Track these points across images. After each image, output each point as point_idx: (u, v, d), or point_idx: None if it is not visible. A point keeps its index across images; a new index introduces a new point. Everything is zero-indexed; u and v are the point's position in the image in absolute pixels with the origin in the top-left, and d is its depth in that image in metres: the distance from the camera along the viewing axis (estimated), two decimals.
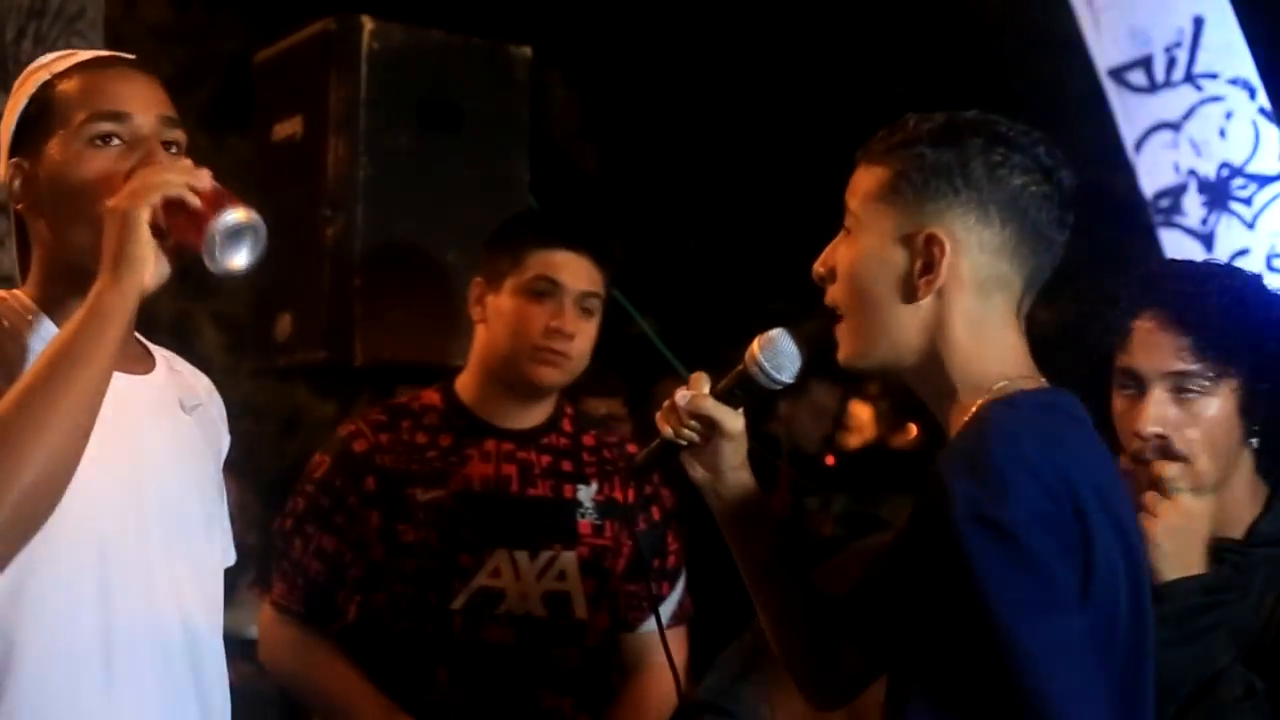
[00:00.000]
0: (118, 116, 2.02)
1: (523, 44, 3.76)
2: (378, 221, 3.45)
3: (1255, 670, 2.14)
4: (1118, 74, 4.27)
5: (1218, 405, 2.23)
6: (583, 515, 2.97)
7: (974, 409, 1.85)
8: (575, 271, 2.92)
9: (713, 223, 11.07)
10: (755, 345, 2.04)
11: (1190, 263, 2.41)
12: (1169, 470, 2.20)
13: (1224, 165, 4.21)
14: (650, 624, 3.01)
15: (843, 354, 1.95)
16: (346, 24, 3.48)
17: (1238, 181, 4.19)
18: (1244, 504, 2.29)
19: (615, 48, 10.35)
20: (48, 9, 4.84)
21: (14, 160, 2.07)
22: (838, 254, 1.95)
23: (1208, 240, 4.21)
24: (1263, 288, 2.31)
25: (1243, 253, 4.21)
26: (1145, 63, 4.25)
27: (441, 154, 3.55)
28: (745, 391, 2.04)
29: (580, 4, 9.80)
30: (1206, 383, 2.22)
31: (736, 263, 10.88)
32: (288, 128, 3.62)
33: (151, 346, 2.17)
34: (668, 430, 2.07)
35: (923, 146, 1.89)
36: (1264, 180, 4.20)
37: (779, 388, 2.04)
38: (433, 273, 3.47)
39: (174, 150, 2.04)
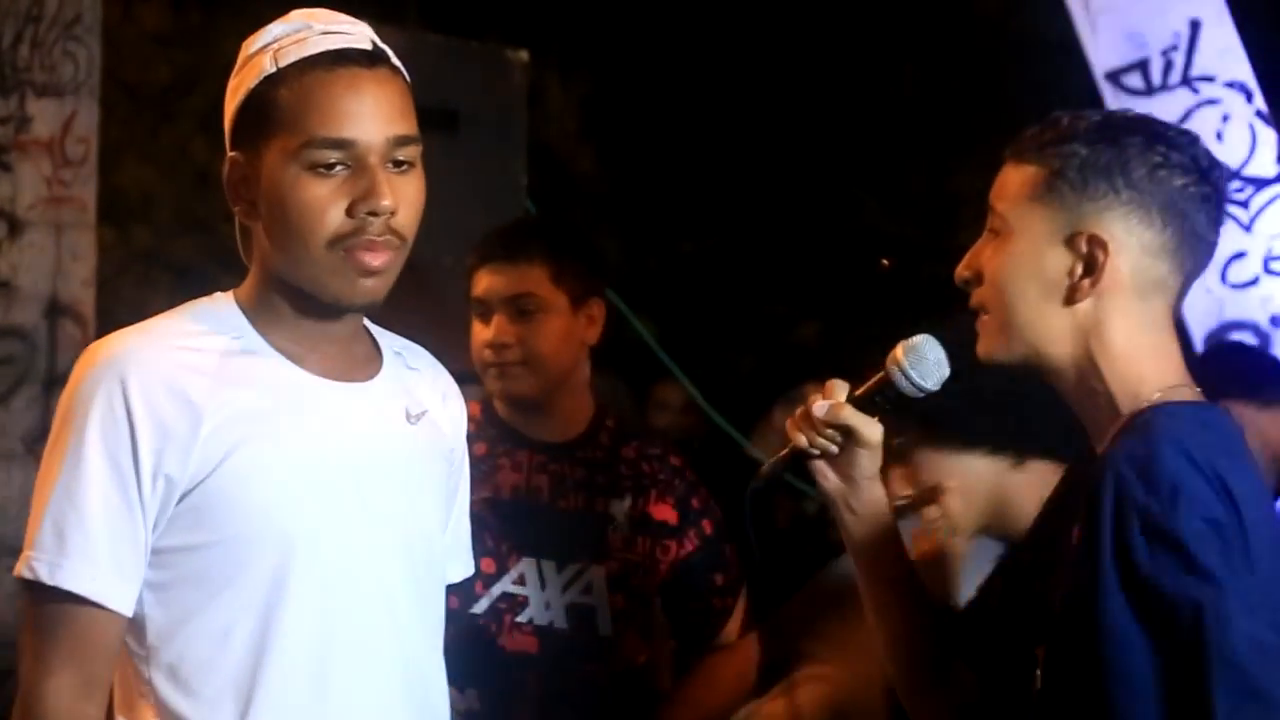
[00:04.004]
0: (339, 144, 1.85)
1: (520, 48, 3.77)
2: None
3: None
4: (1114, 77, 4.28)
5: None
6: (614, 529, 2.94)
7: (1130, 418, 1.80)
8: (495, 282, 2.94)
9: (710, 226, 11.06)
10: (899, 351, 1.96)
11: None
12: (930, 511, 2.29)
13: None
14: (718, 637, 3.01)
15: (983, 347, 1.89)
16: None
17: (1234, 184, 4.19)
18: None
19: (613, 51, 10.35)
20: (45, 14, 4.84)
21: (233, 155, 1.93)
22: (984, 257, 1.88)
23: None
24: None
25: (1239, 255, 4.22)
26: (1142, 66, 4.25)
27: (438, 158, 3.55)
28: (886, 399, 1.98)
29: (578, 8, 9.80)
30: None
31: (733, 266, 10.88)
32: None
33: (386, 343, 2.06)
34: (801, 440, 1.99)
35: (1079, 144, 1.83)
36: (1261, 183, 4.21)
37: (923, 395, 1.97)
38: (429, 277, 3.47)
39: (405, 169, 1.90)
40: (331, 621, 1.88)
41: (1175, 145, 1.84)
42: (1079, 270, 1.82)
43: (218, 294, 1.97)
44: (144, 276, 8.86)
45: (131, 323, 1.96)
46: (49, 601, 1.81)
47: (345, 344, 1.98)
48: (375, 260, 1.89)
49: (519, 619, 2.86)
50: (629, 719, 2.99)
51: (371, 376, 1.99)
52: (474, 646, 2.82)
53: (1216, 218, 1.86)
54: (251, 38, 1.95)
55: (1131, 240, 1.82)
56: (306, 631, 1.86)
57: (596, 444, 3.00)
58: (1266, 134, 4.22)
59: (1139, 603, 1.68)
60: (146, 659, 1.85)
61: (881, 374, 1.97)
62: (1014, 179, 1.87)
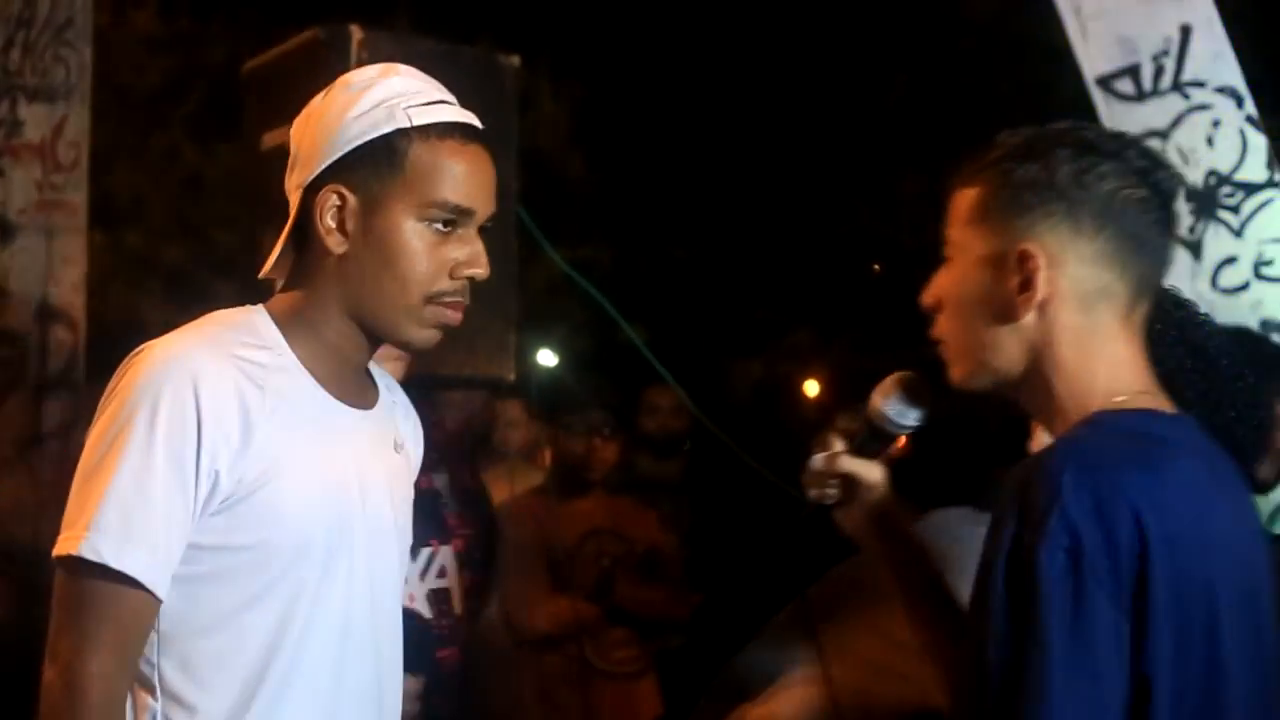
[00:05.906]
0: (462, 211, 2.05)
1: (511, 53, 3.76)
2: None
3: None
4: (1105, 82, 4.28)
5: None
6: (446, 506, 2.96)
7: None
8: None
9: (700, 232, 11.07)
10: (876, 395, 2.04)
11: None
12: None
13: (1211, 173, 4.21)
14: None
15: (952, 377, 1.91)
16: (335, 33, 3.48)
17: (1225, 189, 4.20)
18: None
19: (605, 57, 10.35)
20: (36, 18, 4.84)
21: (333, 186, 2.05)
22: (939, 284, 1.91)
23: (1195, 248, 4.22)
24: None
25: (1230, 260, 4.22)
26: (1133, 71, 4.25)
27: None
28: (876, 441, 2.07)
29: (569, 13, 9.80)
30: None
31: (723, 272, 10.89)
32: (277, 137, 3.62)
33: (375, 373, 2.20)
34: (812, 493, 2.09)
35: (1009, 163, 1.84)
36: (1251, 188, 4.21)
37: (908, 432, 2.04)
38: None
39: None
40: (337, 625, 2.02)
41: (1105, 152, 1.83)
42: (1016, 286, 1.82)
43: (247, 307, 2.09)
44: (135, 280, 8.85)
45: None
46: (101, 580, 1.90)
47: (359, 372, 2.14)
48: (456, 319, 2.07)
49: None
50: (468, 686, 3.01)
51: (373, 404, 2.15)
52: None
53: (1159, 218, 1.85)
54: (350, 77, 2.10)
55: (1065, 251, 1.82)
56: (316, 635, 1.99)
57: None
58: (1257, 139, 4.22)
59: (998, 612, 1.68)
60: (155, 643, 1.96)
61: (864, 420, 2.06)
62: (959, 204, 1.90)
